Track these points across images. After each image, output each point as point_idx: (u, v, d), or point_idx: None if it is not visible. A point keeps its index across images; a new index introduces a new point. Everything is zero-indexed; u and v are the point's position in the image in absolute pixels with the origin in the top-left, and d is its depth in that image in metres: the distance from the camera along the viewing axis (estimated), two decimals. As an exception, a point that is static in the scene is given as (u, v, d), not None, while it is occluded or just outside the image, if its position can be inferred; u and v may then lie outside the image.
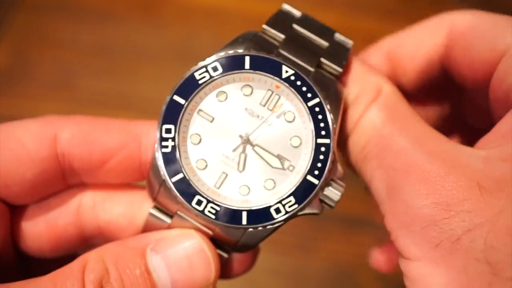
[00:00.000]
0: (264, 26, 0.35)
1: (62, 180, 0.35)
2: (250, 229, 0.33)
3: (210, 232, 0.33)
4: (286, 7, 0.36)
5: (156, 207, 0.34)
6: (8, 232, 0.35)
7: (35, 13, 0.71)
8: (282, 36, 0.35)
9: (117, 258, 0.31)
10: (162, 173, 0.32)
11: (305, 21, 0.35)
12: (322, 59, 0.34)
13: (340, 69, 0.34)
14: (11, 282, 0.30)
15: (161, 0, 0.71)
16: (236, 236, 0.33)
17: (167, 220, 0.34)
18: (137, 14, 0.70)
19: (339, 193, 0.33)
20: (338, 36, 0.35)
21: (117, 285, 0.30)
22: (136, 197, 0.36)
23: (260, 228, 0.33)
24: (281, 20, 0.35)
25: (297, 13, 0.36)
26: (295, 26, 0.35)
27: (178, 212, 0.34)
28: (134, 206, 0.36)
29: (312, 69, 0.34)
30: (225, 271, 0.36)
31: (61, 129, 0.34)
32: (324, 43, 0.35)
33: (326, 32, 0.35)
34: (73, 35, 0.69)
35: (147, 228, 0.35)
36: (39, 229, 0.36)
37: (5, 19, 0.70)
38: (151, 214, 0.34)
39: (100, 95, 0.67)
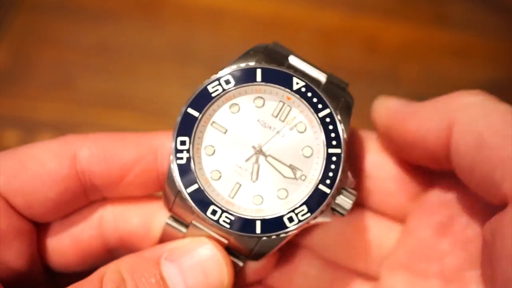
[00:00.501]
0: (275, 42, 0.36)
1: (84, 196, 0.36)
2: (264, 238, 0.33)
3: (225, 241, 0.34)
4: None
5: (172, 217, 0.35)
6: (35, 249, 0.36)
7: (35, 13, 0.70)
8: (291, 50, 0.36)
9: (133, 268, 0.32)
10: (177, 184, 0.33)
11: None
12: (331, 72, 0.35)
13: (347, 83, 0.36)
14: None
15: (160, 0, 0.71)
16: (250, 244, 0.34)
17: (183, 229, 0.35)
18: (137, 14, 0.70)
19: (351, 202, 0.34)
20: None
21: None
22: (154, 208, 0.37)
23: (273, 237, 0.34)
24: None
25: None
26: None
27: (193, 222, 0.34)
28: (152, 217, 0.37)
29: (323, 80, 0.35)
30: (240, 279, 0.37)
31: (79, 147, 0.35)
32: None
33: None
34: (73, 35, 0.69)
35: (164, 237, 0.36)
36: (65, 245, 0.37)
37: (5, 19, 0.70)
38: (167, 224, 0.35)
39: (100, 94, 0.67)
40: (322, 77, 0.36)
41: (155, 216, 0.37)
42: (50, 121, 0.65)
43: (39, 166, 0.34)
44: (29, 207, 0.35)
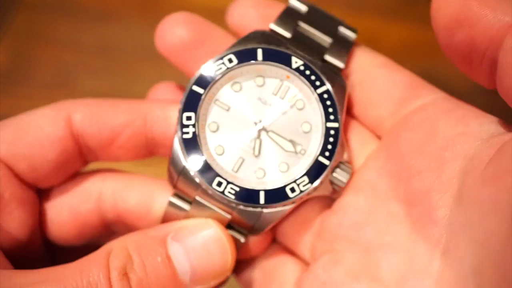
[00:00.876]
0: (271, 26, 0.37)
1: (80, 157, 0.38)
2: (267, 210, 0.35)
3: (228, 216, 0.35)
4: (293, 2, 0.38)
5: (175, 195, 0.36)
6: (37, 220, 0.37)
7: (35, 13, 0.71)
8: (289, 35, 0.37)
9: (139, 246, 0.33)
10: (182, 158, 0.35)
11: (310, 16, 0.38)
12: (326, 57, 0.37)
13: (342, 66, 0.37)
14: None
15: (160, 0, 0.71)
16: (253, 218, 0.35)
17: (186, 207, 0.36)
18: (137, 14, 0.70)
19: (348, 174, 0.36)
20: (342, 31, 0.38)
21: (140, 271, 0.32)
22: (153, 188, 0.38)
23: (275, 209, 0.35)
24: (287, 18, 0.38)
25: (303, 7, 0.38)
26: (301, 24, 0.38)
27: (197, 198, 0.35)
28: (150, 197, 0.38)
29: (318, 63, 0.37)
30: (242, 253, 0.38)
31: (73, 111, 0.36)
32: (328, 40, 0.37)
33: (330, 26, 0.38)
34: (73, 35, 0.70)
35: (167, 215, 0.37)
36: (64, 217, 0.38)
37: (5, 19, 0.70)
38: (170, 202, 0.36)
39: (100, 94, 0.66)
40: (317, 60, 0.37)
41: (154, 196, 0.38)
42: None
43: (37, 131, 0.36)
44: (32, 171, 0.36)
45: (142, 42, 0.68)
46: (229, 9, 0.39)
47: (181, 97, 0.36)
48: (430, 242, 0.31)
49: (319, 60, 0.37)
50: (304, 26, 0.38)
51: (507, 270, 0.26)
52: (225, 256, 0.35)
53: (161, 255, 0.33)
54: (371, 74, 0.37)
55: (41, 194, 0.38)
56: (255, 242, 0.38)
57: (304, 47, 0.37)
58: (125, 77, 0.67)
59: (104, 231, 0.40)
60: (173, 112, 0.37)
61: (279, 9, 0.38)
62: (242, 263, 0.40)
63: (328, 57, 0.37)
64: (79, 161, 0.38)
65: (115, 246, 0.33)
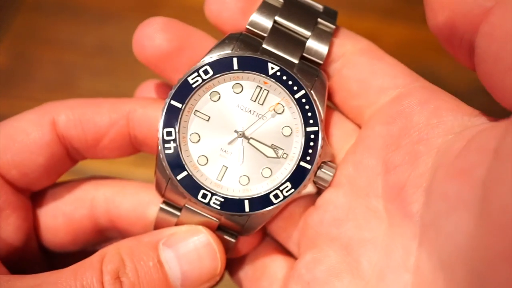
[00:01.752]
0: (247, 26, 0.37)
1: (69, 158, 0.38)
2: (254, 214, 0.36)
3: (217, 220, 0.36)
4: None
5: (165, 202, 0.37)
6: (31, 225, 0.38)
7: (36, 13, 0.71)
8: (265, 34, 0.37)
9: (132, 251, 0.34)
10: (168, 172, 0.35)
11: (287, 9, 0.38)
12: (305, 54, 0.37)
13: (321, 62, 0.37)
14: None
15: (161, 0, 0.71)
16: (241, 222, 0.36)
17: (177, 212, 0.37)
18: (138, 14, 0.70)
19: (331, 174, 0.36)
20: (321, 22, 0.37)
21: (132, 275, 0.33)
22: (145, 194, 0.39)
23: (261, 213, 0.36)
24: (263, 15, 0.37)
25: (279, 2, 0.38)
26: (278, 19, 0.37)
27: (186, 205, 0.36)
28: (143, 202, 0.38)
29: (296, 62, 0.37)
30: (233, 252, 0.39)
31: (57, 114, 0.37)
32: (307, 34, 0.37)
33: (308, 18, 0.38)
34: (74, 35, 0.70)
35: (159, 221, 0.38)
36: (58, 223, 0.39)
37: (5, 19, 0.70)
38: (161, 208, 0.37)
39: (101, 95, 0.66)
40: (295, 60, 0.37)
41: (146, 202, 0.38)
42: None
43: (24, 137, 0.36)
44: (23, 176, 0.37)
45: (142, 42, 0.68)
46: (206, 3, 0.38)
47: (166, 94, 0.36)
48: (406, 237, 0.32)
49: (298, 57, 0.37)
50: (281, 21, 0.37)
51: (475, 265, 0.26)
52: (215, 261, 0.36)
53: (153, 260, 0.34)
54: (351, 62, 0.37)
55: (36, 200, 0.39)
56: (245, 241, 0.39)
57: (281, 45, 0.37)
58: (125, 77, 0.67)
59: (98, 237, 0.40)
60: (154, 110, 0.37)
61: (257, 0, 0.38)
62: (234, 260, 0.40)
63: (307, 55, 0.37)
64: (68, 161, 0.39)
65: (108, 251, 0.34)
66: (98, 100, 0.38)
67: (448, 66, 0.66)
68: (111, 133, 0.37)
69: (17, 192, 0.37)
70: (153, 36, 0.37)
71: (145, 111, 0.37)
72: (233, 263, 0.40)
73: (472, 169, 0.27)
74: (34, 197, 0.39)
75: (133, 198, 0.39)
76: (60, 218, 0.39)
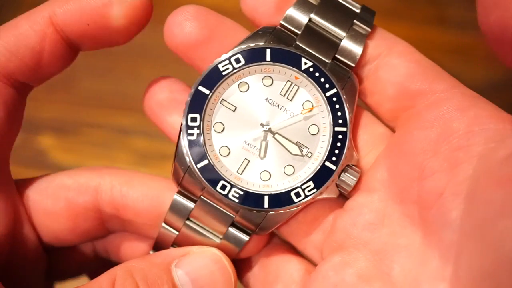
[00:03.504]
0: (282, 22, 0.36)
1: (20, 95, 0.36)
2: (271, 212, 0.34)
3: (232, 216, 0.35)
4: None
5: (179, 193, 0.36)
6: (18, 209, 0.36)
7: (35, 13, 0.70)
8: (298, 31, 0.36)
9: (145, 274, 0.33)
10: (188, 159, 0.34)
11: (323, 8, 0.37)
12: (337, 55, 0.36)
13: (353, 64, 0.36)
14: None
15: (162, 0, 0.71)
16: (258, 219, 0.35)
17: (191, 205, 0.36)
18: (137, 14, 0.70)
19: (355, 178, 0.35)
20: (357, 24, 0.36)
21: None
22: (153, 185, 0.38)
23: (280, 211, 0.35)
24: (298, 12, 0.36)
25: (316, 0, 0.37)
26: (313, 17, 0.36)
27: (202, 197, 0.35)
28: (152, 193, 0.37)
29: (328, 61, 0.36)
30: (241, 252, 0.38)
31: None
32: (341, 34, 0.36)
33: (344, 19, 0.37)
34: (73, 35, 0.69)
35: (171, 212, 0.36)
36: (59, 206, 0.37)
37: (4, 19, 0.70)
38: (175, 199, 0.36)
39: (101, 95, 0.67)
40: (327, 59, 0.36)
41: (154, 193, 0.38)
42: (52, 122, 0.65)
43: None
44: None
45: (143, 42, 0.68)
46: None
47: (181, 94, 0.36)
48: (443, 245, 0.31)
49: (331, 57, 0.36)
50: (316, 19, 0.36)
51: None
52: (229, 283, 0.35)
53: (167, 284, 0.33)
54: (387, 65, 0.36)
55: (36, 185, 0.38)
56: (255, 240, 0.38)
57: (315, 43, 0.36)
58: (126, 77, 0.67)
59: (99, 228, 0.39)
60: (76, 2, 0.34)
61: None
62: (242, 262, 0.39)
63: (339, 57, 0.36)
64: (22, 99, 0.36)
65: (119, 273, 0.33)
66: (13, 21, 0.35)
67: (449, 66, 0.66)
68: (47, 47, 0.35)
69: None
70: (184, 24, 0.36)
71: (66, 9, 0.35)
72: (241, 265, 0.39)
73: None
74: (32, 181, 0.38)
75: (141, 188, 0.38)
76: (62, 202, 0.38)
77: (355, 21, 0.37)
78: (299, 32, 0.36)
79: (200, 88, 0.35)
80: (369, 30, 0.36)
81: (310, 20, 0.36)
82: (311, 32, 0.36)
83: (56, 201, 0.38)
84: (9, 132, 0.36)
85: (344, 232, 0.35)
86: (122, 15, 0.35)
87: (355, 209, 0.36)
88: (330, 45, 0.36)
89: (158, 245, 0.38)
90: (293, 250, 0.39)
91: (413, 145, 0.34)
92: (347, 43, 0.36)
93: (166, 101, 0.38)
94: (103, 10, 0.34)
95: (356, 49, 0.36)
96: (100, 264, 0.42)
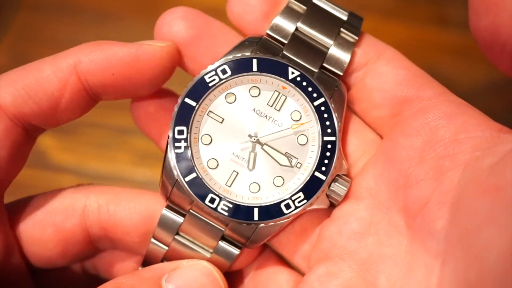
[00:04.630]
0: (268, 31, 0.36)
1: (29, 137, 0.35)
2: (262, 225, 0.34)
3: (222, 229, 0.35)
4: (291, 3, 0.36)
5: (168, 207, 0.35)
6: (11, 239, 0.35)
7: (35, 13, 0.71)
8: (285, 41, 0.36)
9: None
10: (175, 173, 0.34)
11: (310, 16, 0.36)
12: (325, 64, 0.35)
13: (341, 73, 0.35)
14: None
15: (161, 0, 0.71)
16: (248, 232, 0.35)
17: (180, 219, 0.35)
18: (137, 14, 0.70)
19: (345, 188, 0.35)
20: (344, 32, 0.36)
21: None
22: (141, 201, 0.37)
23: (271, 224, 0.34)
24: (285, 22, 0.36)
25: (302, 7, 0.36)
26: (300, 25, 0.36)
27: (191, 211, 0.35)
28: (140, 209, 0.37)
29: (316, 70, 0.35)
30: (232, 265, 0.37)
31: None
32: (329, 43, 0.36)
33: (331, 27, 0.36)
34: (73, 35, 0.69)
35: (160, 228, 0.36)
36: (48, 233, 0.36)
37: (4, 19, 0.70)
38: (164, 214, 0.35)
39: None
40: (314, 68, 0.36)
41: (142, 209, 0.37)
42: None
43: None
44: None
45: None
46: (229, 4, 0.37)
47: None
48: (429, 255, 0.31)
49: (318, 66, 0.36)
50: (303, 27, 0.36)
51: (506, 285, 0.25)
52: None
53: None
54: (374, 72, 0.36)
55: (21, 212, 0.37)
56: (246, 253, 0.37)
57: (302, 52, 0.36)
58: (125, 77, 0.67)
59: (89, 249, 0.38)
60: (101, 54, 0.34)
61: (279, 5, 0.37)
62: (234, 274, 0.39)
63: (327, 65, 0.36)
64: (30, 140, 0.36)
65: None
66: (37, 63, 0.35)
67: (449, 66, 0.66)
68: (66, 94, 0.34)
69: None
70: (172, 24, 0.36)
71: (92, 58, 0.34)
72: (232, 277, 0.39)
73: (508, 186, 0.26)
74: (20, 209, 0.37)
75: (128, 205, 0.37)
76: (49, 228, 0.37)
77: (342, 29, 0.36)
78: (285, 42, 0.36)
79: (187, 100, 0.35)
80: (356, 38, 0.36)
81: (296, 29, 0.36)
82: (298, 41, 0.36)
83: (44, 229, 0.37)
84: (9, 171, 0.35)
85: (330, 241, 0.35)
86: (149, 67, 0.35)
87: (341, 218, 0.35)
88: (317, 53, 0.36)
89: (148, 261, 0.38)
90: (284, 261, 0.39)
91: (399, 153, 0.34)
92: (334, 51, 0.36)
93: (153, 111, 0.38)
94: (130, 61, 0.34)
95: (343, 57, 0.36)
96: (89, 281, 0.41)
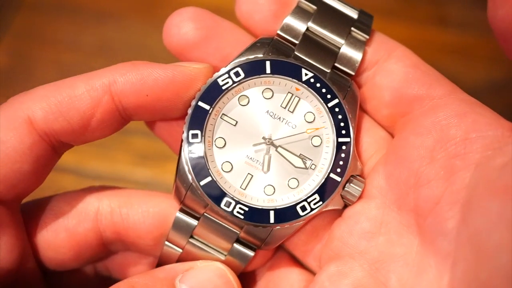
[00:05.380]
0: (279, 32, 0.36)
1: (56, 153, 0.35)
2: (277, 227, 0.34)
3: (237, 232, 0.35)
4: (302, 2, 0.36)
5: (182, 210, 0.35)
6: (26, 244, 0.35)
7: (35, 13, 0.70)
8: (296, 41, 0.35)
9: None
10: (190, 177, 0.33)
11: (321, 16, 0.36)
12: (337, 64, 0.35)
13: (353, 73, 0.35)
14: None
15: (161, 0, 0.71)
16: (263, 235, 0.34)
17: (194, 222, 0.35)
18: (137, 14, 0.70)
19: (360, 189, 0.34)
20: (355, 31, 0.36)
21: None
22: (154, 203, 0.36)
23: (286, 226, 0.34)
24: (295, 22, 0.36)
25: (312, 7, 0.36)
26: (311, 25, 0.36)
27: (205, 214, 0.34)
28: (153, 212, 0.36)
29: (328, 71, 0.35)
30: (247, 267, 0.37)
31: (31, 111, 0.33)
32: (340, 42, 0.36)
33: (342, 26, 0.36)
34: (73, 35, 0.69)
35: (174, 231, 0.35)
36: (61, 239, 0.36)
37: (4, 19, 0.70)
38: (177, 217, 0.35)
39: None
40: (326, 69, 0.36)
41: (155, 212, 0.37)
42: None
43: (2, 147, 0.32)
44: (11, 188, 0.33)
45: (142, 42, 0.68)
46: (238, 4, 0.37)
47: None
48: (440, 255, 0.31)
49: (330, 67, 0.36)
50: (314, 27, 0.36)
51: None
52: None
53: None
54: (384, 70, 0.36)
55: (35, 216, 0.37)
56: (261, 254, 0.37)
57: (314, 53, 0.36)
58: (125, 77, 0.67)
59: (102, 252, 0.38)
60: (136, 75, 0.34)
61: (289, 4, 0.37)
62: (246, 274, 0.39)
63: (339, 65, 0.36)
64: (56, 156, 0.36)
65: None
66: (71, 80, 0.34)
67: (449, 66, 0.66)
68: (98, 114, 0.34)
69: (6, 208, 0.34)
70: (180, 25, 0.36)
71: (127, 79, 0.34)
72: (246, 278, 0.39)
73: None
74: (32, 212, 0.37)
75: (141, 208, 0.37)
76: (62, 233, 0.36)
77: (353, 28, 0.36)
78: (297, 42, 0.36)
79: (200, 103, 0.34)
80: (367, 37, 0.36)
81: (307, 29, 0.36)
82: (309, 41, 0.36)
83: (57, 233, 0.36)
84: (30, 185, 0.35)
85: (341, 240, 0.35)
86: (185, 89, 0.34)
87: (352, 217, 0.35)
88: (329, 53, 0.36)
89: (162, 264, 0.37)
90: (295, 261, 0.39)
91: (410, 152, 0.34)
92: (346, 51, 0.36)
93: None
94: (165, 83, 0.34)
95: (355, 56, 0.35)
96: (102, 282, 0.41)
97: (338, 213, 0.36)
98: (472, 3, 0.69)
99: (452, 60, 0.66)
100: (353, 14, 0.37)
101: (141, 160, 0.64)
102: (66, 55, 0.68)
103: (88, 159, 0.64)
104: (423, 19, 0.69)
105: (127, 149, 0.64)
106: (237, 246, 0.36)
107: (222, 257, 0.36)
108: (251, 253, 0.36)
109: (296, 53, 0.36)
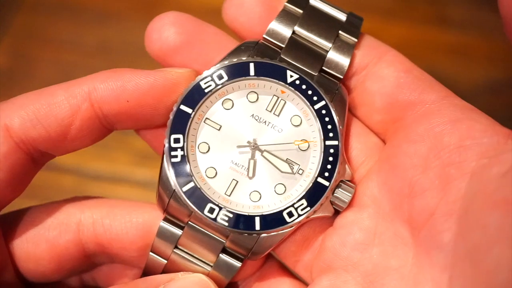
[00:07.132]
0: (265, 36, 0.35)
1: (34, 162, 0.34)
2: (264, 235, 0.32)
3: (223, 241, 0.33)
4: (288, 6, 0.35)
5: (166, 220, 0.34)
6: (5, 255, 0.34)
7: (35, 13, 0.71)
8: (282, 45, 0.35)
9: None
10: (172, 183, 0.32)
11: (308, 19, 0.35)
12: (324, 67, 0.34)
13: (341, 76, 0.34)
14: None
15: (161, 0, 0.71)
16: (249, 243, 0.33)
17: (178, 232, 0.34)
18: (138, 14, 0.70)
19: (350, 194, 0.33)
20: (343, 34, 0.35)
21: None
22: (137, 214, 0.36)
23: (273, 233, 0.33)
24: (281, 25, 0.35)
25: (299, 10, 0.35)
26: (297, 29, 0.35)
27: (190, 222, 0.33)
28: (137, 223, 0.35)
29: (315, 74, 0.34)
30: (235, 277, 0.36)
31: (9, 118, 0.33)
32: (327, 46, 0.35)
33: (329, 30, 0.35)
34: (74, 35, 0.69)
35: (158, 241, 0.34)
36: (41, 250, 0.35)
37: (5, 19, 0.70)
38: (161, 226, 0.34)
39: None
40: (313, 72, 0.35)
41: (139, 222, 0.36)
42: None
43: None
44: None
45: (142, 42, 0.68)
46: (224, 6, 0.36)
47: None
48: (436, 268, 0.30)
49: (318, 70, 0.35)
50: (300, 31, 0.35)
51: None
52: None
53: None
54: (375, 75, 0.35)
55: (14, 227, 0.36)
56: (250, 263, 0.36)
57: (300, 56, 0.35)
58: (125, 77, 0.67)
59: (85, 264, 0.37)
60: (116, 81, 0.33)
61: (276, 6, 0.36)
62: (234, 284, 0.38)
63: (327, 69, 0.35)
64: (34, 166, 0.35)
65: None
66: (51, 88, 0.34)
67: (449, 66, 0.66)
68: (77, 121, 0.33)
69: None
70: (162, 30, 0.35)
71: (107, 85, 0.33)
72: (233, 286, 0.38)
73: None
74: (12, 223, 0.36)
75: (124, 219, 0.36)
76: (43, 245, 0.35)
77: (340, 31, 0.35)
78: (283, 46, 0.35)
79: (182, 107, 0.34)
80: (356, 40, 0.35)
81: (294, 32, 0.35)
82: (295, 45, 0.35)
83: (37, 245, 0.35)
84: (6, 195, 0.34)
85: (333, 252, 0.34)
86: (166, 93, 0.34)
87: (344, 228, 0.34)
88: (316, 57, 0.35)
89: (147, 275, 0.36)
90: (286, 270, 0.38)
91: (403, 160, 0.33)
92: (333, 55, 0.35)
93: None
94: (146, 87, 0.33)
95: (343, 60, 0.35)
96: None
97: (329, 222, 0.35)
98: (472, 3, 0.69)
99: (451, 60, 0.66)
100: (342, 16, 0.36)
101: (141, 160, 0.64)
102: (66, 55, 0.68)
103: (88, 159, 0.64)
104: (423, 19, 0.69)
105: (127, 149, 0.64)
106: (223, 256, 0.35)
107: (208, 268, 0.35)
108: (238, 264, 0.35)
109: (282, 56, 0.35)
